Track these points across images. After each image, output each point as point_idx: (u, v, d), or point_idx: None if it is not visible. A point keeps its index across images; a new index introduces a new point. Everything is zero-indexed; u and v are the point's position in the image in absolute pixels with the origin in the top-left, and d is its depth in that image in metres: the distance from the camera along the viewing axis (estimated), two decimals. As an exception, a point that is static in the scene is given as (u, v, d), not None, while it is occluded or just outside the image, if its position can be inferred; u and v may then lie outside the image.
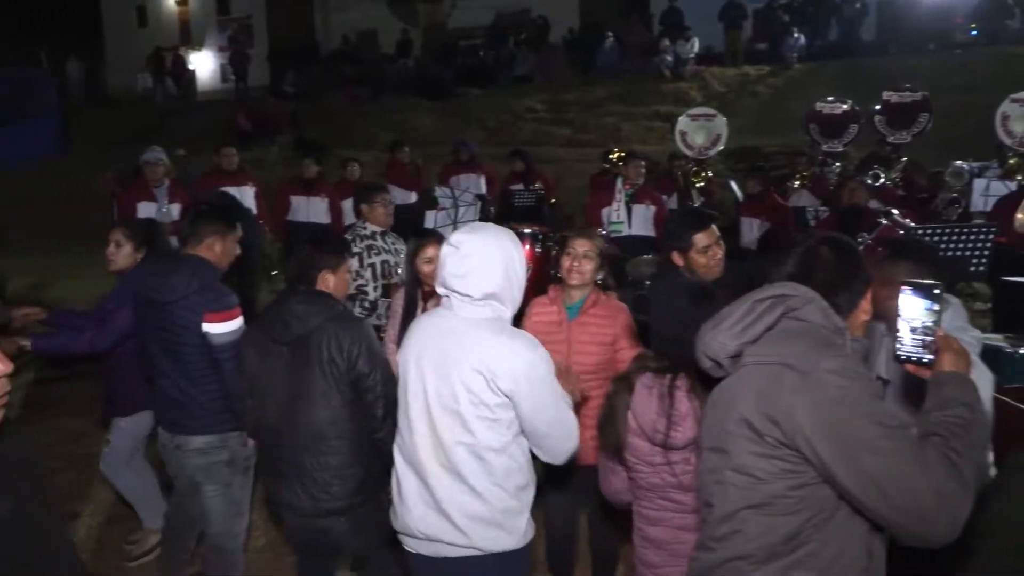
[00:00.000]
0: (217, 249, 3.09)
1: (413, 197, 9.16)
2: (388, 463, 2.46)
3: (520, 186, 9.42)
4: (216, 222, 3.10)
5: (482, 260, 2.19)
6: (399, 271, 4.70)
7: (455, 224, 7.03)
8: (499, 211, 8.92)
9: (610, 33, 17.00)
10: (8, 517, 1.40)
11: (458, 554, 2.23)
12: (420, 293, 3.62)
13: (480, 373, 2.15)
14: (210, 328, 2.96)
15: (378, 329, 4.39)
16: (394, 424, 2.44)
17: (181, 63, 23.29)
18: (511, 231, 2.34)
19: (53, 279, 9.81)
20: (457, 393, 2.19)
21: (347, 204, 8.34)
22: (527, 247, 6.53)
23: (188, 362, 3.05)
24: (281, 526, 3.86)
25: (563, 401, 2.25)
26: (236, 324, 3.01)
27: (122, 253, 3.67)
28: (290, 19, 26.17)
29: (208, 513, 3.18)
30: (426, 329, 2.35)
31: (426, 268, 3.53)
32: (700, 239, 3.14)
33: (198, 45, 27.67)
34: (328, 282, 2.84)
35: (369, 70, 19.69)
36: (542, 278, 5.74)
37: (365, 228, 4.73)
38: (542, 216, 8.66)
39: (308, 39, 24.73)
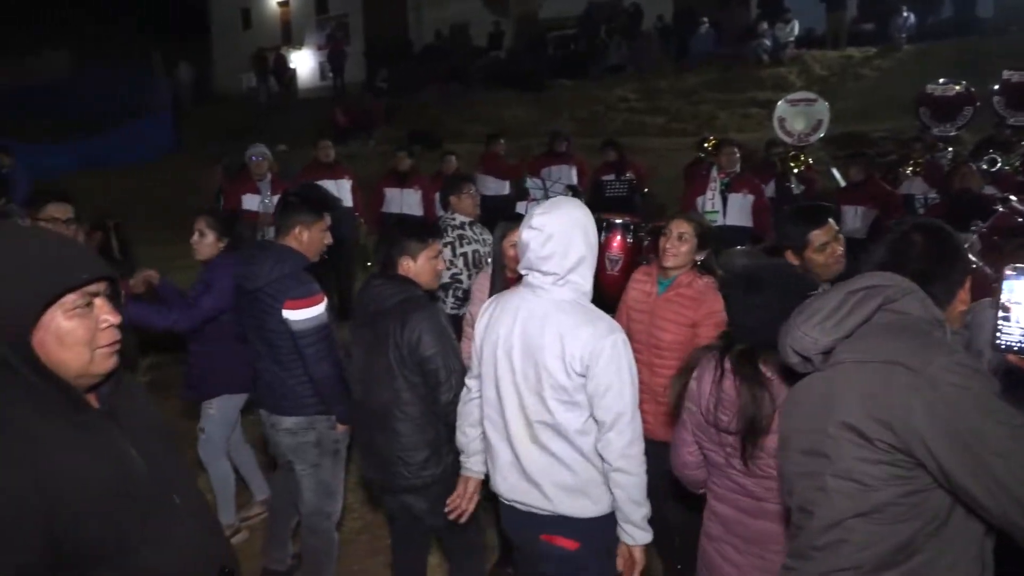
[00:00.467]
0: (304, 238, 3.17)
1: (507, 188, 9.20)
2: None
3: (612, 176, 9.33)
4: (302, 212, 3.18)
5: (563, 237, 2.26)
6: (489, 260, 4.74)
7: (546, 215, 7.02)
8: (590, 201, 8.84)
9: (705, 19, 16.59)
10: (143, 469, 1.45)
11: (548, 514, 2.36)
12: (504, 279, 3.62)
13: (559, 357, 2.23)
14: (289, 314, 3.05)
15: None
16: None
17: (282, 62, 24.14)
18: (584, 208, 2.40)
19: (167, 268, 10.34)
20: (539, 376, 2.28)
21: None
22: (618, 237, 6.45)
23: (276, 346, 3.16)
24: (378, 509, 3.97)
25: (631, 393, 2.24)
26: (315, 311, 3.08)
27: (205, 242, 3.76)
28: (385, 16, 26.73)
29: (300, 492, 3.30)
30: (509, 310, 2.40)
31: (511, 251, 3.55)
32: (817, 236, 2.92)
33: (298, 44, 28.63)
34: (409, 267, 2.90)
35: (461, 64, 19.88)
36: (635, 269, 5.67)
37: (454, 219, 4.79)
38: (634, 206, 8.55)
39: (402, 35, 25.20)
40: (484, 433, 2.51)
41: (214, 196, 13.44)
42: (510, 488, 2.41)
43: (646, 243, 6.47)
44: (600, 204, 8.48)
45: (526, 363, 2.31)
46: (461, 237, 4.73)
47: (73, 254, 1.40)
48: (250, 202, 6.76)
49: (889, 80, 14.31)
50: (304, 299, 3.06)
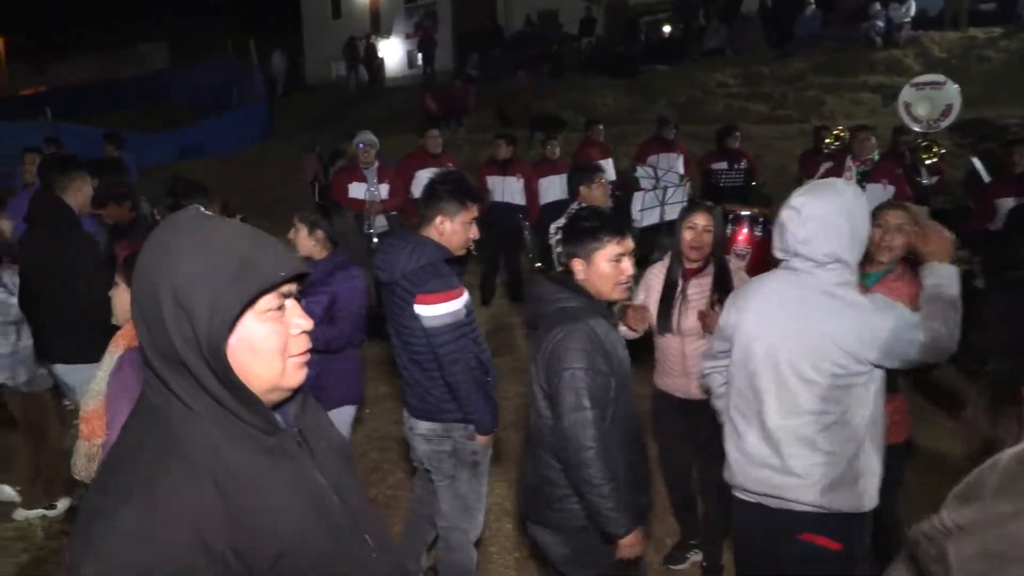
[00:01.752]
0: (445, 229, 2.92)
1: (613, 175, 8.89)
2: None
3: (724, 164, 8.86)
4: (446, 201, 2.93)
5: (825, 222, 2.18)
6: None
7: (663, 206, 6.66)
8: (701, 192, 8.40)
9: (811, 0, 15.74)
10: (335, 502, 1.26)
11: (804, 509, 2.27)
12: (682, 269, 3.35)
13: (841, 346, 2.16)
14: (422, 310, 2.81)
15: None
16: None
17: (372, 51, 24.25)
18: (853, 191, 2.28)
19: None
20: (804, 364, 2.21)
21: (544, 183, 8.24)
22: (745, 230, 6.05)
23: (411, 344, 2.92)
24: (514, 526, 3.70)
25: None
26: (450, 307, 2.82)
27: (301, 237, 3.57)
28: (474, 3, 26.59)
29: (438, 504, 3.07)
30: (771, 297, 2.32)
31: (688, 235, 3.28)
32: None
33: (386, 33, 28.79)
34: (580, 271, 2.59)
35: (552, 50, 19.53)
36: (765, 265, 5.26)
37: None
38: (748, 197, 8.07)
39: (491, 22, 25.01)
40: (729, 424, 2.43)
41: (309, 184, 13.63)
42: (761, 482, 2.32)
43: (776, 237, 6.06)
44: (713, 194, 8.05)
45: (789, 351, 2.24)
46: (590, 229, 4.42)
47: (269, 247, 1.18)
48: (356, 190, 6.61)
49: (1018, 63, 13.25)
50: (438, 293, 2.80)
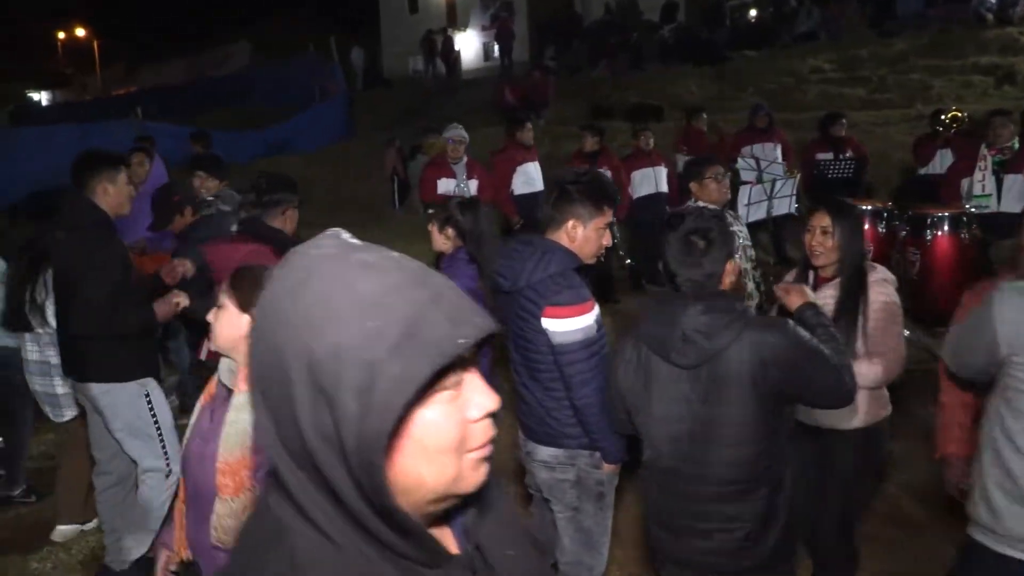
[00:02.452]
0: (577, 234, 2.61)
1: None
2: None
3: (829, 154, 8.28)
4: (579, 203, 2.62)
5: None
6: (750, 254, 4.06)
7: (770, 200, 6.21)
8: (806, 183, 7.85)
9: (914, -23, 14.85)
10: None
11: None
12: (812, 277, 2.94)
13: None
14: (549, 324, 2.52)
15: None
16: None
17: (450, 44, 24.16)
18: None
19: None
20: None
21: (637, 175, 7.88)
22: (867, 227, 5.56)
23: (534, 360, 2.64)
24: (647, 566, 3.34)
25: None
26: (582, 322, 2.52)
27: (433, 232, 3.50)
28: (552, -7, 26.24)
29: (558, 537, 2.77)
30: None
31: (806, 238, 2.88)
32: None
33: (463, 26, 28.70)
34: (727, 280, 2.25)
35: (634, 38, 19.00)
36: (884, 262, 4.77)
37: (698, 207, 4.12)
38: (859, 189, 7.53)
39: (568, 12, 24.60)
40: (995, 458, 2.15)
41: (389, 178, 13.57)
42: None
43: (903, 235, 5.55)
44: (820, 187, 7.52)
45: None
46: (706, 229, 4.05)
47: (444, 296, 0.79)
48: (445, 186, 6.39)
49: None
50: (570, 307, 2.50)
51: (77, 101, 34.57)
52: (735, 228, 4.14)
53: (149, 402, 3.30)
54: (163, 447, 3.33)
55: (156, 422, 3.31)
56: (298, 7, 33.52)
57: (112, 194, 3.23)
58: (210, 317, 2.05)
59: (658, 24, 19.78)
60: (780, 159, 8.37)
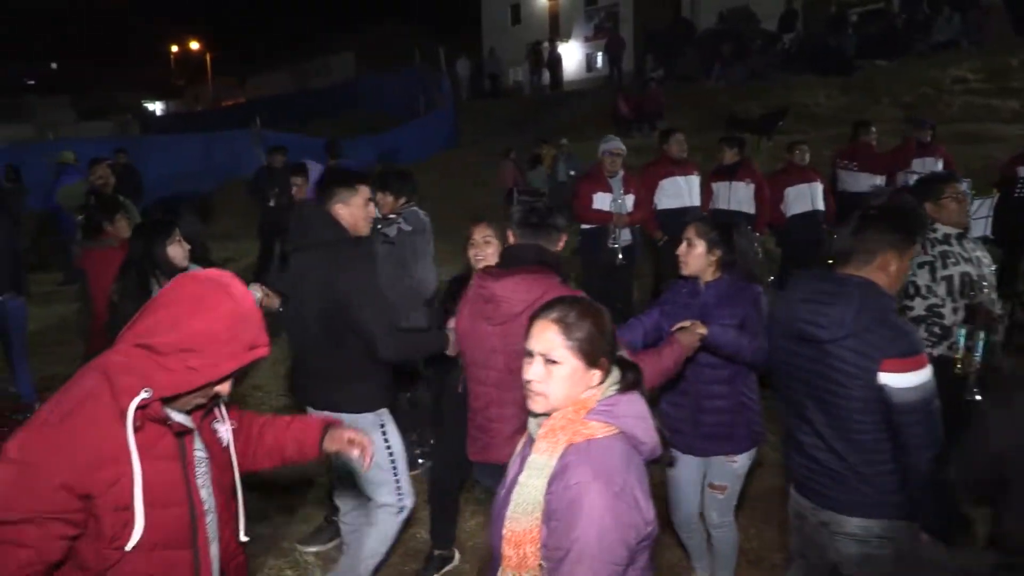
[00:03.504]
0: (892, 270, 2.23)
1: (878, 181, 7.83)
2: None
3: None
4: (894, 232, 2.21)
5: None
6: (984, 286, 3.52)
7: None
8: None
9: (1072, -21, 13.68)
10: None
11: None
12: None
13: None
14: (891, 380, 2.13)
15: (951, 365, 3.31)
16: None
17: (557, 55, 23.94)
18: None
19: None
20: None
21: (792, 192, 7.33)
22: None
23: (847, 420, 2.25)
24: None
25: None
26: (923, 376, 2.14)
27: (693, 253, 3.01)
28: (658, 3, 25.66)
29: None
30: None
31: None
32: None
33: (566, 37, 28.46)
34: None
35: (748, 47, 18.29)
36: None
37: (936, 230, 3.61)
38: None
39: (677, 21, 24.00)
40: None
41: (507, 192, 13.30)
42: None
43: None
44: (1017, 208, 6.78)
45: None
46: (944, 255, 3.53)
47: None
48: (601, 201, 6.01)
49: None
50: (911, 358, 2.14)
51: (190, 111, 36.03)
52: (978, 253, 3.64)
53: (384, 434, 3.04)
54: (397, 482, 3.07)
55: (391, 455, 3.04)
56: (402, 17, 33.98)
57: (345, 216, 3.09)
58: (535, 372, 1.71)
59: (776, 33, 18.99)
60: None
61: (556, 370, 1.67)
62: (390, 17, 36.41)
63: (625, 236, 6.06)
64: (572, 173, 12.11)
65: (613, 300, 6.38)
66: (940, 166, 7.97)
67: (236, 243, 11.82)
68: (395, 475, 3.03)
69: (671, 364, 2.69)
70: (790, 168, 7.46)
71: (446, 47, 22.97)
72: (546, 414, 1.70)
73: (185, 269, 3.44)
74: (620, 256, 5.98)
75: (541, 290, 2.60)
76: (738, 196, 7.24)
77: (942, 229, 3.59)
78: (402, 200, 4.39)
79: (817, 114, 14.43)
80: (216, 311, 1.60)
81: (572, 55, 27.82)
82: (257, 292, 3.53)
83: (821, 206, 7.38)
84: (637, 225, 6.23)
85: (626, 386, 1.71)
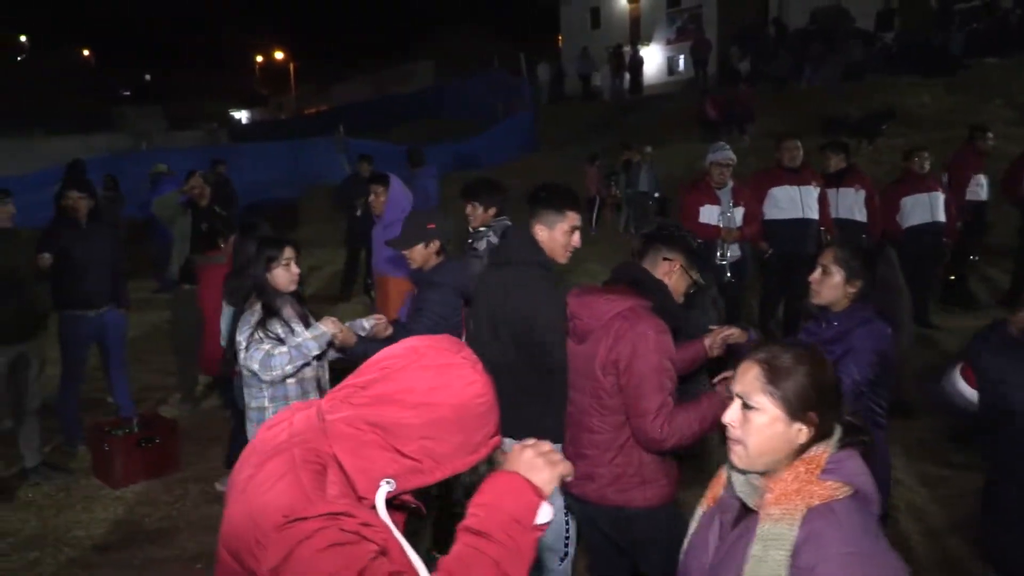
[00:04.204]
0: None
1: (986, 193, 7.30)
2: None
3: None
4: None
5: None
6: None
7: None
8: None
9: None
10: None
11: None
12: None
13: None
14: None
15: None
16: None
17: (639, 59, 23.49)
18: None
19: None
20: None
21: (908, 202, 6.82)
22: None
23: None
24: None
25: None
26: None
27: (827, 282, 2.72)
28: (744, 4, 24.95)
29: None
30: None
31: None
32: None
33: (646, 40, 27.95)
34: None
35: (843, 46, 17.47)
36: None
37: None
38: None
39: (763, 22, 23.26)
40: None
41: (588, 200, 12.97)
42: None
43: None
44: None
45: None
46: None
47: None
48: (708, 214, 5.63)
49: None
50: None
51: (275, 119, 36.98)
52: None
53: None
54: (566, 536, 2.91)
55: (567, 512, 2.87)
56: (480, 23, 34.06)
57: (544, 239, 2.88)
58: (730, 415, 1.51)
59: (872, 32, 18.11)
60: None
61: (754, 417, 1.48)
62: (469, 23, 36.56)
63: (734, 252, 5.66)
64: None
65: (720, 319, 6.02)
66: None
67: (322, 250, 11.85)
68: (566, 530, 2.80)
69: (712, 415, 2.39)
70: (909, 176, 6.95)
71: (525, 52, 22.85)
72: (747, 472, 1.50)
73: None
74: (728, 274, 5.59)
75: (618, 309, 2.44)
76: (847, 203, 6.76)
77: None
78: (492, 211, 4.15)
79: (923, 116, 13.62)
80: (469, 390, 1.30)
81: (653, 58, 27.30)
82: (368, 322, 3.35)
83: (942, 217, 6.84)
84: (747, 240, 5.83)
85: (852, 447, 1.50)
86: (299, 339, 3.10)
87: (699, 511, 1.68)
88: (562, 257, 2.92)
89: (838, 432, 1.49)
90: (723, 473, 1.64)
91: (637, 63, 23.28)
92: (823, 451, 1.46)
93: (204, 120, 37.75)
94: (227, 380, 4.42)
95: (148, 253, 9.89)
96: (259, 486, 1.23)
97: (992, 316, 7.35)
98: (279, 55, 48.11)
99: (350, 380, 1.35)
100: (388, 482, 1.26)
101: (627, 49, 23.59)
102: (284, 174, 14.30)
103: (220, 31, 55.05)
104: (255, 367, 3.05)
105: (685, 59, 25.75)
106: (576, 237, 2.93)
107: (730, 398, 2.33)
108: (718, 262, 5.57)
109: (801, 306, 6.27)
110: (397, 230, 4.90)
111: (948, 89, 14.18)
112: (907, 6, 19.11)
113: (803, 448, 1.46)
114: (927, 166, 6.97)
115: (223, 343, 3.98)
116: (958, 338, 6.69)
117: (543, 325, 2.72)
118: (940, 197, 6.88)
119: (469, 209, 4.13)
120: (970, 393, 1.95)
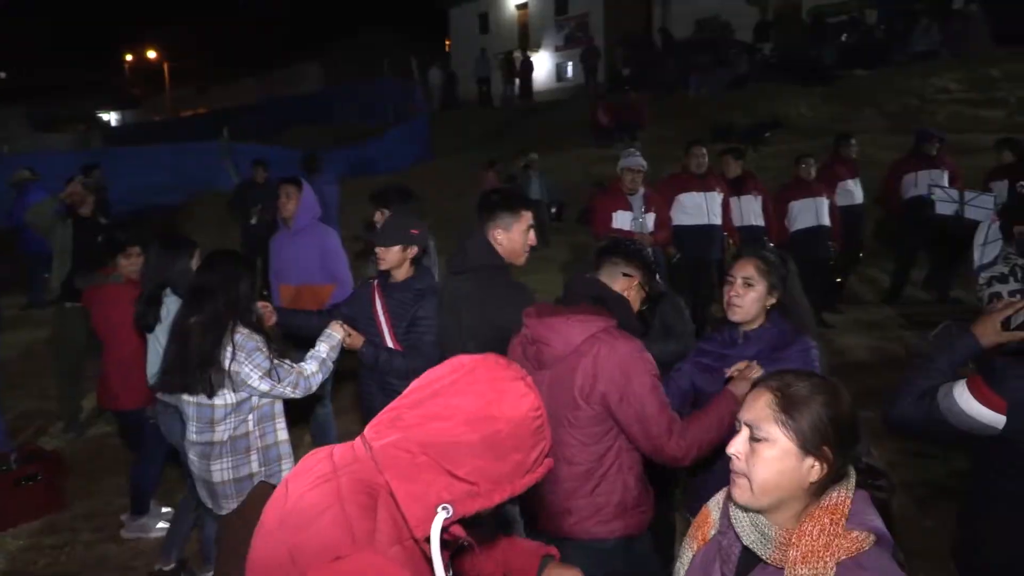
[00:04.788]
0: None
1: (860, 196, 7.69)
2: None
3: (1002, 182, 7.42)
4: None
5: None
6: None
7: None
8: (1005, 215, 6.94)
9: (1049, -10, 13.71)
10: None
11: None
12: None
13: None
14: None
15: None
16: None
17: (529, 65, 23.66)
18: None
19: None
20: None
21: (796, 206, 7.10)
22: None
23: None
24: None
25: None
26: None
27: (748, 296, 2.56)
28: (628, 13, 25.59)
29: None
30: None
31: None
32: None
33: (535, 47, 28.22)
34: None
35: (726, 56, 18.19)
36: None
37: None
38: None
39: (648, 31, 23.95)
40: None
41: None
42: None
43: None
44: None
45: None
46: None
47: None
48: (622, 220, 5.66)
49: None
50: None
51: (150, 122, 34.99)
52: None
53: None
54: None
55: None
56: (371, 27, 33.48)
57: (503, 241, 2.92)
58: (736, 446, 1.38)
59: (751, 43, 18.95)
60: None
61: (762, 450, 1.35)
62: (359, 26, 35.85)
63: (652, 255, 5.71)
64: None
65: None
66: (945, 178, 7.82)
67: (210, 261, 11.26)
68: None
69: (728, 419, 2.26)
70: (796, 182, 7.23)
71: (416, 56, 22.58)
72: (748, 509, 1.38)
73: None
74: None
75: (592, 331, 2.30)
76: (749, 209, 7.00)
77: (1036, 255, 3.32)
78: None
79: (802, 124, 14.33)
80: (524, 403, 1.21)
81: (542, 65, 27.58)
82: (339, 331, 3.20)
83: (827, 221, 7.16)
84: (659, 246, 5.90)
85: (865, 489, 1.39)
86: (322, 354, 3.07)
87: (687, 553, 1.54)
88: (521, 257, 2.95)
89: (853, 473, 1.39)
90: (711, 513, 1.52)
91: (527, 69, 23.46)
92: (845, 497, 1.35)
93: (70, 122, 35.38)
94: (129, 413, 4.06)
95: (17, 266, 9.07)
96: (300, 519, 1.11)
97: (876, 314, 7.82)
98: (151, 54, 45.62)
99: (397, 402, 1.24)
100: (444, 508, 1.15)
101: (517, 55, 23.73)
102: (166, 180, 13.50)
103: (86, 26, 51.72)
104: (292, 392, 2.96)
105: (574, 65, 26.15)
106: (532, 235, 2.97)
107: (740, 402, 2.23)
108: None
109: (707, 315, 6.46)
110: (306, 237, 4.71)
111: (824, 99, 14.97)
112: (783, 19, 20.06)
113: (817, 489, 1.36)
114: (813, 172, 7.28)
115: (153, 375, 3.55)
116: (849, 337, 7.06)
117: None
118: (825, 202, 7.19)
119: (378, 216, 3.94)
120: (989, 416, 1.88)
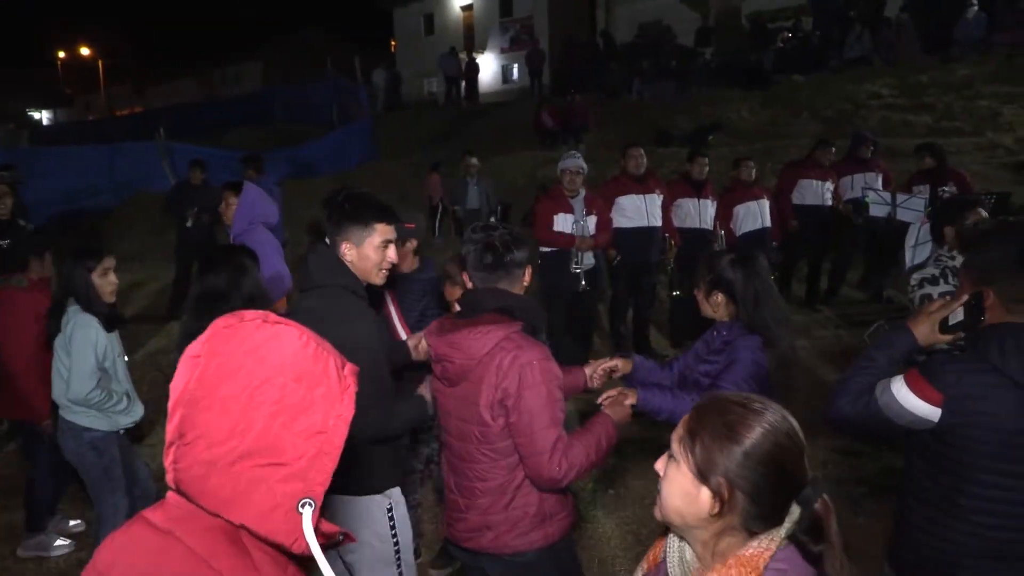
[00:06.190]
0: None
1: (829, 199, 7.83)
2: None
3: (925, 187, 7.64)
4: None
5: None
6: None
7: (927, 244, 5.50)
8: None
9: (974, 1, 14.20)
10: None
11: None
12: None
13: None
14: None
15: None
16: None
17: (475, 67, 23.60)
18: None
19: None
20: None
21: (740, 210, 7.19)
22: None
23: None
24: None
25: None
26: None
27: (709, 303, 2.71)
28: (571, 16, 25.77)
29: None
30: None
31: None
32: None
33: (480, 48, 28.21)
34: None
35: (668, 61, 18.44)
36: None
37: (954, 257, 3.41)
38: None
39: (591, 35, 24.12)
40: None
41: (431, 207, 12.79)
42: None
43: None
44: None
45: None
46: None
47: None
48: (563, 223, 5.64)
49: None
50: None
51: (83, 121, 33.89)
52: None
53: (392, 521, 2.50)
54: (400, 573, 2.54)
55: (397, 549, 2.51)
56: (312, 27, 33.01)
57: (352, 258, 2.51)
58: (659, 462, 1.35)
59: (692, 48, 19.24)
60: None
61: (670, 469, 1.31)
62: (303, 26, 35.34)
63: (588, 260, 5.71)
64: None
65: (576, 328, 6.05)
66: (879, 181, 8.03)
67: (143, 264, 10.92)
68: (398, 566, 2.52)
69: (605, 442, 2.29)
70: (737, 185, 7.30)
71: (359, 56, 22.34)
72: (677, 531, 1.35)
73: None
74: (583, 282, 5.63)
75: (494, 341, 2.22)
76: (706, 214, 7.01)
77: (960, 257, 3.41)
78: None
79: (743, 128, 14.59)
80: (284, 352, 1.03)
81: (487, 67, 27.59)
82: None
83: (769, 223, 7.26)
84: (600, 248, 5.91)
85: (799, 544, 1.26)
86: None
87: (639, 573, 1.51)
88: (376, 277, 2.54)
89: (788, 525, 1.24)
90: (668, 536, 1.46)
91: (473, 70, 23.40)
92: (765, 549, 1.22)
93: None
94: (25, 423, 3.88)
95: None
96: None
97: (813, 313, 7.99)
98: (85, 51, 44.20)
99: (169, 440, 1.03)
100: (304, 504, 1.01)
101: (463, 57, 23.66)
102: (98, 181, 13.03)
103: (16, 21, 49.83)
104: None
105: (519, 68, 26.22)
106: (391, 252, 2.54)
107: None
108: (573, 270, 5.59)
109: (647, 316, 6.50)
110: (245, 241, 4.58)
111: (763, 103, 15.28)
112: (723, 25, 20.40)
113: (728, 528, 1.26)
114: (753, 174, 7.37)
115: (89, 383, 3.33)
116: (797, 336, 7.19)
117: (364, 356, 2.30)
118: (766, 204, 7.30)
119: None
120: (925, 409, 1.89)
